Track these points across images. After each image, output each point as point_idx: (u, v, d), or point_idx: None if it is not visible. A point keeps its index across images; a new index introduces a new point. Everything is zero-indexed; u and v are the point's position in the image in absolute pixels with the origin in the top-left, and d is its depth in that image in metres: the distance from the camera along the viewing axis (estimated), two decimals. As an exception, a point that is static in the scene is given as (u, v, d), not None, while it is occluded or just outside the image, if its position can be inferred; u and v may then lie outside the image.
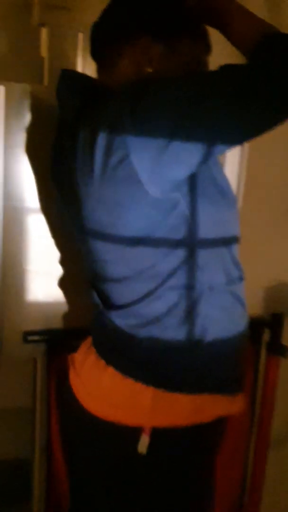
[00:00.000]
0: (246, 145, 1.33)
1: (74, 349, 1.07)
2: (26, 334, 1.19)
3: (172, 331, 0.89)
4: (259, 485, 1.52)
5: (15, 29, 1.61)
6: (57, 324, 1.25)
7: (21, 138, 1.14)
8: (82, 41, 1.52)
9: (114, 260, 0.90)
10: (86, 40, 1.50)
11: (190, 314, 0.89)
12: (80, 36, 1.53)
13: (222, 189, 0.91)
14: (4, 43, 1.60)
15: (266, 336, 1.43)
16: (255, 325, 1.40)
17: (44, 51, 1.54)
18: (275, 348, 1.40)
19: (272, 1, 1.63)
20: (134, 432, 0.89)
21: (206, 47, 0.98)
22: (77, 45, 1.54)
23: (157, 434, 0.88)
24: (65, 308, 1.25)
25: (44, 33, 1.53)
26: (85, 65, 1.54)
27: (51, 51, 1.53)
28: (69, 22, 1.52)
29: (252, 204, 2.02)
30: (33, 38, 1.56)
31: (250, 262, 1.64)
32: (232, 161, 1.33)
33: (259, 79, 0.79)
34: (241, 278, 0.98)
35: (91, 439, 0.95)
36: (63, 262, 1.21)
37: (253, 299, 2.00)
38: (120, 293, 0.92)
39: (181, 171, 0.82)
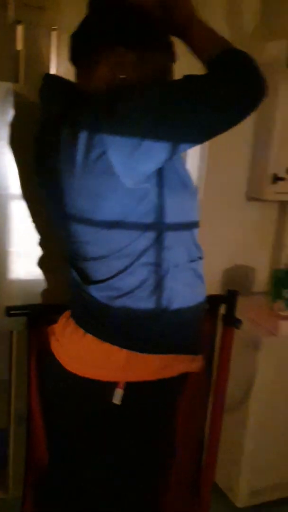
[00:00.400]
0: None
1: (53, 322, 1.22)
2: (8, 309, 1.32)
3: (143, 302, 1.05)
4: (216, 444, 1.71)
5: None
6: (37, 300, 1.39)
7: (3, 132, 1.26)
8: (55, 38, 1.65)
9: (93, 241, 1.04)
10: (59, 37, 1.63)
11: (158, 287, 1.05)
12: (54, 33, 1.65)
13: (184, 181, 1.07)
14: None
15: (222, 310, 1.60)
16: (214, 300, 1.59)
17: (19, 46, 1.65)
18: (230, 320, 1.58)
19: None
20: (110, 387, 1.05)
21: (173, 57, 1.14)
22: (51, 42, 1.66)
23: (130, 387, 1.05)
24: (43, 285, 1.39)
25: (19, 29, 1.64)
26: (58, 61, 1.67)
27: (26, 47, 1.64)
28: (44, 20, 1.64)
29: (213, 193, 2.21)
30: (9, 34, 1.67)
31: (211, 246, 1.85)
32: (194, 153, 1.48)
33: (216, 88, 0.96)
34: (200, 258, 1.14)
35: (72, 394, 1.10)
36: (42, 244, 1.35)
37: (213, 278, 2.20)
38: (98, 270, 1.07)
39: (151, 166, 0.97)
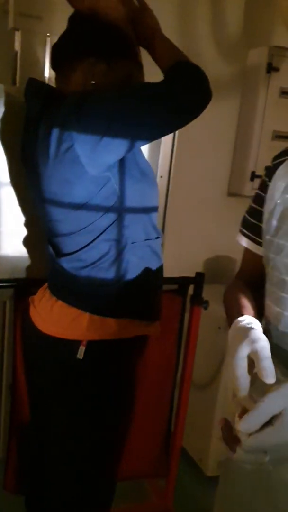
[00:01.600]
0: (176, 139, 1.68)
1: (35, 293, 1.43)
2: (-2, 280, 1.54)
3: (103, 272, 1.26)
4: (184, 412, 1.90)
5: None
6: (22, 274, 1.60)
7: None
8: (49, 43, 1.86)
9: (63, 220, 1.25)
10: (51, 43, 1.83)
11: (117, 260, 1.26)
12: (49, 39, 1.86)
13: (143, 171, 1.28)
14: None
15: (190, 290, 1.80)
16: (182, 281, 1.78)
17: (17, 52, 1.87)
18: (197, 300, 1.77)
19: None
20: (75, 344, 1.25)
21: (138, 66, 1.34)
22: (45, 46, 1.87)
23: (91, 345, 1.25)
24: (28, 261, 1.60)
25: (17, 36, 1.86)
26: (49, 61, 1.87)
27: (23, 52, 1.86)
28: (40, 28, 1.85)
29: (197, 189, 2.41)
30: (8, 40, 1.89)
31: (194, 237, 2.08)
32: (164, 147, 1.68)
33: (168, 93, 1.16)
34: (158, 237, 1.34)
35: (44, 351, 1.31)
36: (27, 224, 1.56)
37: (195, 267, 2.40)
38: (67, 244, 1.28)
39: (111, 158, 1.18)
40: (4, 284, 1.55)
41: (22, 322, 1.45)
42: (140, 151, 1.28)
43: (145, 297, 1.34)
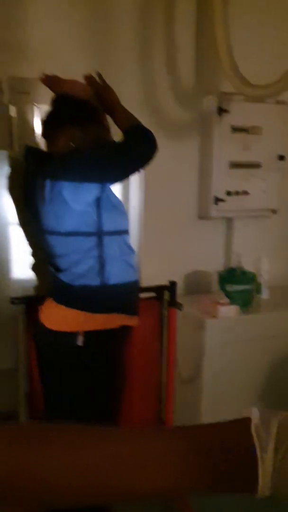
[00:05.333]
0: (143, 176, 2.23)
1: (41, 305, 1.96)
2: (12, 299, 2.06)
3: (91, 280, 1.79)
4: (170, 405, 2.39)
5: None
6: (31, 292, 2.13)
7: (3, 182, 2.02)
8: (37, 111, 2.43)
9: (58, 245, 1.79)
10: (39, 111, 2.39)
11: (100, 271, 1.79)
12: (35, 109, 2.43)
13: (114, 204, 1.82)
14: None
15: (166, 296, 2.32)
16: (159, 289, 2.31)
17: (13, 120, 2.44)
18: (172, 303, 2.29)
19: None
20: (75, 335, 1.77)
21: (105, 128, 1.91)
22: (34, 114, 2.44)
23: (87, 334, 1.77)
24: (35, 282, 2.13)
25: (12, 108, 2.44)
26: (38, 125, 2.44)
27: (18, 120, 2.43)
28: (29, 101, 2.43)
29: (170, 214, 2.96)
30: (5, 112, 2.46)
31: (172, 256, 2.64)
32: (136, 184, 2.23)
33: (124, 150, 1.72)
34: (131, 253, 1.88)
35: (51, 343, 1.83)
36: (32, 254, 2.10)
37: (178, 281, 2.92)
38: (63, 262, 1.81)
39: (89, 197, 1.72)
40: (17, 301, 2.07)
41: (34, 326, 1.97)
42: (111, 190, 1.83)
43: (125, 297, 1.87)
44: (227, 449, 0.56)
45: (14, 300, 2.07)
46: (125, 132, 1.80)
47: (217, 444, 0.57)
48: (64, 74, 1.97)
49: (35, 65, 2.37)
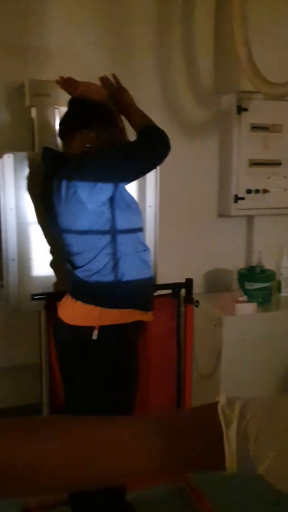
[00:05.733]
0: (159, 175, 2.28)
1: (60, 300, 2.03)
2: (33, 295, 2.14)
3: (106, 277, 1.85)
4: (188, 400, 2.44)
5: (15, 109, 2.62)
6: (50, 289, 2.21)
7: (24, 183, 2.11)
8: (57, 114, 2.51)
9: (74, 243, 1.86)
10: (59, 113, 2.47)
11: (115, 267, 1.85)
12: (56, 110, 2.51)
13: (128, 203, 1.88)
14: (8, 119, 2.61)
15: (183, 293, 2.37)
16: (175, 286, 2.36)
17: (34, 121, 2.53)
18: (188, 299, 2.34)
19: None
20: (90, 329, 1.84)
21: (120, 130, 1.97)
22: (55, 116, 2.52)
23: (102, 329, 1.84)
24: (54, 280, 2.21)
25: (33, 110, 2.53)
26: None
27: (38, 123, 2.52)
28: (49, 102, 2.51)
29: (190, 212, 3.00)
30: (26, 114, 2.56)
31: (193, 254, 2.69)
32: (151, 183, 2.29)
33: (138, 150, 1.78)
34: (145, 250, 1.93)
35: (69, 337, 1.91)
36: (51, 251, 2.18)
37: (197, 279, 2.97)
38: (79, 260, 1.88)
39: (103, 197, 1.79)
40: (39, 297, 2.16)
41: (54, 321, 2.05)
42: (125, 189, 1.89)
43: (139, 293, 1.93)
44: (196, 429, 0.61)
45: (35, 297, 2.15)
46: (138, 132, 1.86)
47: (185, 425, 0.62)
48: (83, 77, 2.04)
49: (55, 68, 2.45)
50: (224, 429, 0.59)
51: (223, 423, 0.59)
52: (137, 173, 1.84)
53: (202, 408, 0.63)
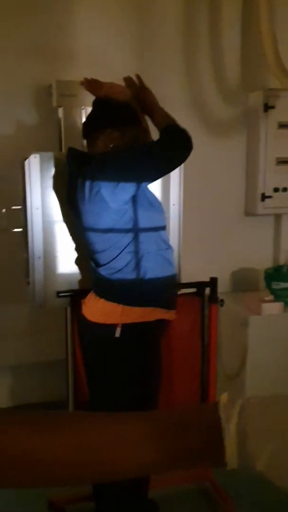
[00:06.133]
0: (182, 174, 2.30)
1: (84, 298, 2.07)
2: (58, 292, 2.19)
3: (129, 275, 1.88)
4: (213, 399, 2.45)
5: (43, 109, 2.68)
6: (75, 286, 2.25)
7: (50, 183, 2.16)
8: (84, 114, 2.55)
9: (97, 241, 1.90)
10: (85, 113, 2.51)
11: (137, 266, 1.88)
12: (83, 111, 2.56)
13: (151, 202, 1.91)
14: (37, 119, 2.67)
15: (207, 292, 2.38)
16: (200, 285, 2.37)
17: (61, 121, 2.58)
18: (212, 299, 2.34)
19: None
20: (113, 327, 1.87)
21: (143, 129, 1.99)
22: (81, 117, 2.57)
23: (124, 327, 1.86)
24: (79, 277, 2.25)
25: (60, 111, 2.58)
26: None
27: (65, 123, 2.57)
28: (75, 103, 2.56)
29: (216, 211, 3.00)
30: (54, 114, 2.61)
31: (219, 254, 2.69)
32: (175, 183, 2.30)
33: (160, 150, 1.80)
34: (167, 248, 1.95)
35: (93, 334, 1.94)
36: (76, 249, 2.22)
37: (224, 278, 2.98)
38: (102, 258, 1.92)
39: (126, 196, 1.82)
40: (63, 294, 2.20)
41: (78, 318, 2.09)
42: (147, 188, 1.91)
43: (162, 291, 1.95)
44: (197, 424, 0.63)
45: (60, 294, 2.20)
46: (161, 132, 1.88)
47: (186, 420, 0.64)
48: (110, 77, 2.07)
49: (82, 68, 2.49)
50: (224, 425, 0.60)
51: (223, 419, 0.61)
52: (159, 172, 1.87)
53: (204, 405, 0.65)
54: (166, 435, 0.63)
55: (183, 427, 0.64)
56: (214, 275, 2.40)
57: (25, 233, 2.23)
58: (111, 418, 0.66)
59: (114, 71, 2.10)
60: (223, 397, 0.63)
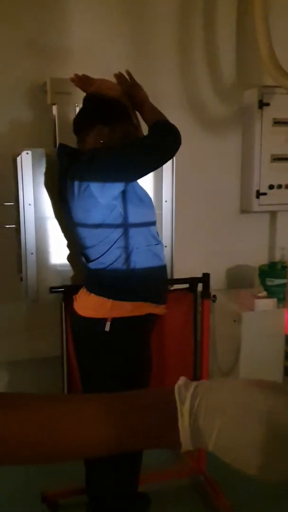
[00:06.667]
0: (174, 170, 2.32)
1: (76, 293, 2.10)
2: (51, 288, 2.22)
3: (118, 269, 1.91)
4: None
5: (37, 106, 2.71)
6: (68, 282, 2.28)
7: (42, 179, 2.19)
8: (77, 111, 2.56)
9: (88, 237, 1.93)
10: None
11: (127, 260, 1.91)
12: (77, 108, 2.58)
13: (140, 197, 1.93)
14: (31, 117, 2.70)
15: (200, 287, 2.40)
16: (192, 280, 2.39)
17: (55, 118, 2.60)
18: (204, 294, 2.37)
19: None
20: (103, 321, 1.90)
21: (134, 126, 2.02)
22: (75, 114, 2.58)
23: (114, 321, 1.89)
24: (72, 273, 2.28)
25: (55, 108, 2.60)
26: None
27: (59, 120, 2.59)
28: (69, 100, 2.58)
29: (212, 209, 3.02)
30: (48, 112, 2.64)
31: (214, 250, 2.70)
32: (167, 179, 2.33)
33: (149, 144, 1.83)
34: (157, 244, 1.98)
35: (83, 328, 1.97)
36: (68, 245, 2.25)
37: (218, 275, 3.00)
38: (93, 253, 1.95)
39: (115, 191, 1.84)
40: (57, 289, 2.23)
41: (70, 313, 2.12)
42: (137, 183, 1.94)
43: (151, 286, 1.97)
44: (152, 406, 0.66)
45: (53, 290, 2.23)
46: (151, 127, 1.90)
47: (142, 402, 0.67)
48: (105, 74, 2.09)
49: (76, 66, 2.52)
50: (178, 406, 0.63)
51: (178, 401, 0.63)
52: (147, 168, 1.89)
53: (160, 389, 0.68)
54: (125, 412, 0.66)
55: (142, 406, 0.67)
56: (209, 272, 2.42)
57: (17, 229, 2.26)
58: (70, 398, 0.69)
59: (109, 69, 2.13)
60: (180, 381, 0.66)
